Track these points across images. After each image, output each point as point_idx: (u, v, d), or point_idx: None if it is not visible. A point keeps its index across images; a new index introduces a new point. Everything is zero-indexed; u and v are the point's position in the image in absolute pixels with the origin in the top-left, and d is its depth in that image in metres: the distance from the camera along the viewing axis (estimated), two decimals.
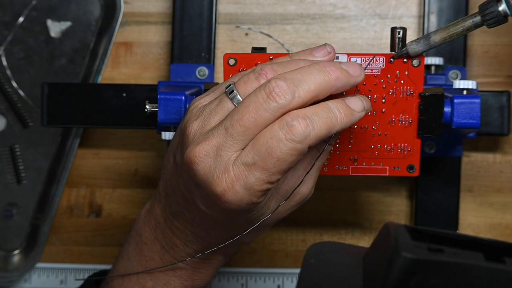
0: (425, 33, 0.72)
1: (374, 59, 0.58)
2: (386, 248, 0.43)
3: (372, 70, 0.58)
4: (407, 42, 0.57)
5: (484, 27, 0.56)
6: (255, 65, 0.56)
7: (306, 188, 0.55)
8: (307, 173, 0.54)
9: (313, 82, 0.50)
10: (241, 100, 0.51)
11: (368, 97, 0.57)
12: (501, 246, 0.44)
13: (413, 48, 0.57)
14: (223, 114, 0.51)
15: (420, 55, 0.58)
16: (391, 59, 0.58)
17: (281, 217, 0.56)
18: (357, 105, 0.51)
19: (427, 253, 0.42)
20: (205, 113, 0.52)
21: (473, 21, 0.56)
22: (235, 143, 0.50)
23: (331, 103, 0.51)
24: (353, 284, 0.45)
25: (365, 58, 0.57)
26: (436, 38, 0.56)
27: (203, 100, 0.54)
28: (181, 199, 0.55)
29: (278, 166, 0.49)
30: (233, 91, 0.51)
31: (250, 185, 0.49)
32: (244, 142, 0.50)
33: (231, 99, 0.51)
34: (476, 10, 0.56)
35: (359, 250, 0.48)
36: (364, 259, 0.47)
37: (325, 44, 0.54)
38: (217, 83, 0.59)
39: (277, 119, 0.49)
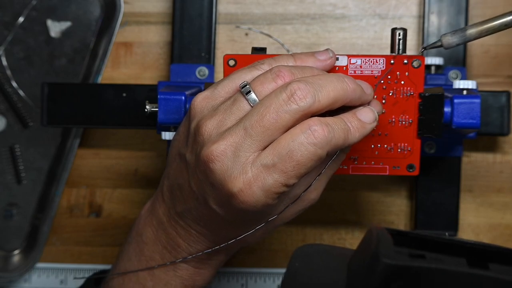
0: (425, 33, 0.72)
1: (375, 60, 0.58)
2: (368, 253, 0.43)
3: (372, 71, 0.58)
4: (407, 41, 0.57)
5: None
6: None
7: (316, 195, 0.56)
8: (315, 179, 0.54)
9: (332, 89, 0.51)
10: (257, 100, 0.51)
11: None
12: (486, 251, 0.43)
13: (447, 40, 0.56)
14: (239, 114, 0.51)
15: (420, 56, 0.58)
16: (422, 49, 0.57)
17: (288, 220, 0.57)
18: (368, 116, 0.52)
19: (407, 259, 0.41)
20: (220, 112, 0.52)
21: None
22: (253, 143, 0.50)
23: (344, 117, 0.52)
24: None
25: (365, 59, 0.57)
26: (472, 32, 0.56)
27: (205, 97, 0.53)
28: (190, 198, 0.55)
29: (297, 170, 0.49)
30: (249, 91, 0.51)
31: (268, 187, 0.50)
32: (262, 143, 0.50)
33: (247, 100, 0.51)
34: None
35: (346, 253, 0.48)
36: (348, 264, 0.46)
37: (327, 49, 0.55)
38: None
39: (296, 123, 0.50)
